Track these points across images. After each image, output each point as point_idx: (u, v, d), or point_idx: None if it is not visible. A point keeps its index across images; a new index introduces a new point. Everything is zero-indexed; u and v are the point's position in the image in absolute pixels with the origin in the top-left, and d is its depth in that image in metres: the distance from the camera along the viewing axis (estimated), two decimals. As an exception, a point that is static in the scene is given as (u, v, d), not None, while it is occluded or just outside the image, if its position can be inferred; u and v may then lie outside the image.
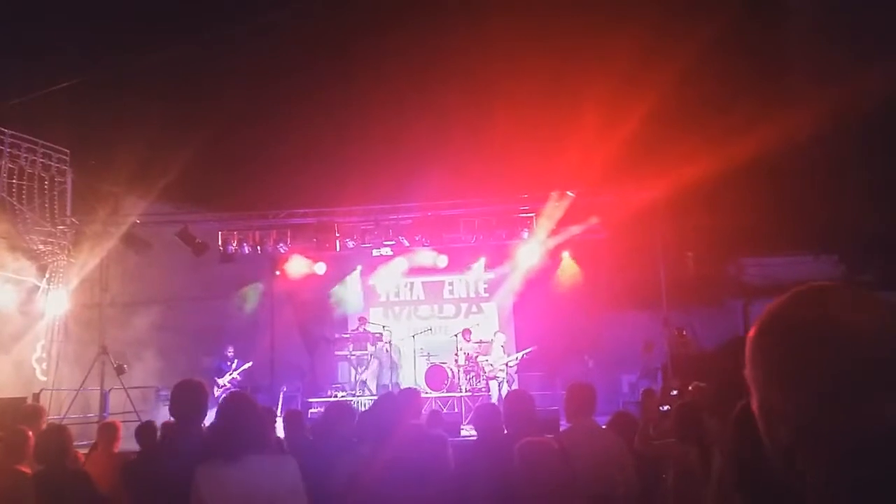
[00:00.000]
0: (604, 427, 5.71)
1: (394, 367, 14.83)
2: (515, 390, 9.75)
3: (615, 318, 14.17)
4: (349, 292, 16.56)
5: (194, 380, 3.93)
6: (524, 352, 13.99)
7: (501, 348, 14.07)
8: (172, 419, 3.95)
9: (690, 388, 7.56)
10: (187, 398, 3.84)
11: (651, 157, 12.86)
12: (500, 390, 13.52)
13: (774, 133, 10.49)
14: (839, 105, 10.16)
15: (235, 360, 13.97)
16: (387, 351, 14.76)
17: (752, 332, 1.19)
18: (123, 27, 13.25)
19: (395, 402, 5.20)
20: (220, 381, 13.49)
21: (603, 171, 13.03)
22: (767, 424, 1.15)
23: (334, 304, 16.47)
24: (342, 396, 14.01)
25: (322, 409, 12.57)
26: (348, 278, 16.53)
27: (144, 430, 6.22)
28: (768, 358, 1.15)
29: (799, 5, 12.04)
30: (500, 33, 12.93)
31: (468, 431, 11.58)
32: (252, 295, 15.91)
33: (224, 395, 3.70)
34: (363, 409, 10.58)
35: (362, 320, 15.26)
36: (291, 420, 5.92)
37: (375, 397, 13.65)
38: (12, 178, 12.83)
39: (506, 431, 4.83)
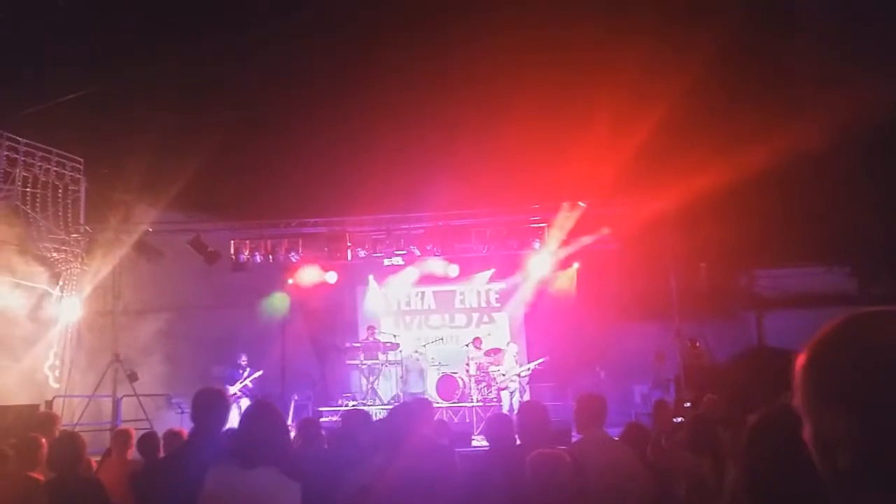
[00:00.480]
0: (616, 438, 5.68)
1: (422, 374, 14.81)
2: (529, 401, 9.72)
3: (627, 329, 14.11)
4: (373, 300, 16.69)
5: (215, 387, 3.96)
6: (536, 362, 13.94)
7: (514, 358, 14.02)
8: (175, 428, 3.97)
9: (704, 399, 7.51)
10: (208, 405, 3.87)
11: (662, 167, 12.83)
12: (511, 400, 13.48)
13: (785, 143, 10.45)
14: (850, 115, 10.12)
15: (248, 369, 13.98)
16: (417, 359, 14.70)
17: (804, 359, 1.17)
18: (135, 37, 13.36)
19: (409, 411, 5.18)
20: (232, 389, 13.50)
21: (614, 182, 13.02)
22: (824, 451, 1.13)
23: (349, 314, 16.56)
24: (353, 405, 14.00)
25: (338, 418, 12.61)
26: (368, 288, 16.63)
27: (146, 441, 6.23)
28: (827, 383, 1.13)
29: (807, 15, 12.01)
30: (509, 44, 12.96)
31: (479, 442, 11.54)
32: (280, 303, 15.94)
33: (251, 403, 3.70)
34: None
35: (371, 329, 15.26)
36: (307, 428, 5.91)
37: (387, 406, 13.66)
38: (27, 187, 12.93)
39: (518, 442, 4.80)
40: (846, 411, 1.09)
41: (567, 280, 15.49)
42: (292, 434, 6.75)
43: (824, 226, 13.12)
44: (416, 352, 14.91)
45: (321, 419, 13.29)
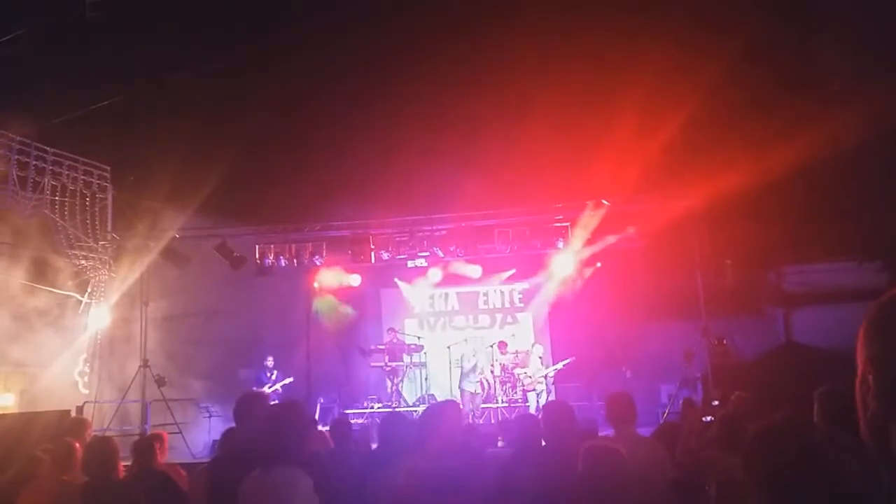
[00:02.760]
0: (647, 436, 5.65)
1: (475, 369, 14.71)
2: (554, 401, 9.66)
3: (653, 328, 13.99)
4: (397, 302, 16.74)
5: (256, 391, 4.04)
6: (563, 363, 13.89)
7: (539, 359, 13.98)
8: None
9: (733, 398, 7.43)
10: (248, 407, 3.94)
11: (688, 164, 12.73)
12: (538, 401, 13.44)
13: (815, 139, 10.32)
14: (882, 110, 9.96)
15: (275, 372, 14.08)
16: (474, 355, 14.62)
17: (866, 315, 1.34)
18: (161, 47, 13.50)
19: (439, 413, 5.19)
20: (260, 393, 13.59)
21: (639, 180, 12.91)
22: (862, 395, 1.30)
23: (373, 316, 16.62)
24: (378, 408, 14.04)
25: (373, 420, 12.63)
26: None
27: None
28: (870, 338, 1.30)
29: (837, 10, 11.85)
30: (533, 43, 12.92)
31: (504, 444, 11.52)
32: (328, 306, 16.11)
33: (273, 405, 3.75)
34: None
35: (392, 332, 15.30)
36: (339, 429, 5.94)
37: (412, 408, 13.69)
38: (55, 195, 13.11)
39: (544, 443, 4.78)
40: (876, 366, 1.27)
41: (591, 279, 15.39)
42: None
43: (854, 221, 12.93)
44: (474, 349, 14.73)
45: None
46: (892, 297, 1.30)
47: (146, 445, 5.54)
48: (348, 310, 16.26)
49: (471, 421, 12.94)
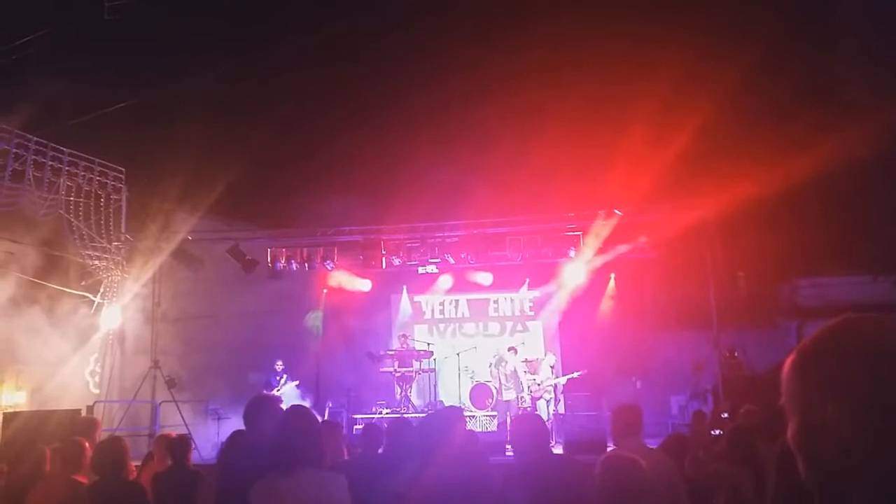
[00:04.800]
0: (654, 448, 5.61)
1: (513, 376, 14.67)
2: (525, 414, 9.63)
3: (663, 339, 13.93)
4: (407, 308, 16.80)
5: (266, 394, 4.04)
6: (573, 374, 13.86)
7: (550, 369, 13.94)
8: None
9: (742, 411, 7.38)
10: (257, 410, 3.94)
11: (701, 174, 12.68)
12: (548, 409, 13.41)
13: (830, 150, 10.26)
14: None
15: (285, 375, 14.13)
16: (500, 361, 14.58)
17: (797, 353, 1.22)
18: (176, 50, 13.61)
19: (443, 420, 5.18)
20: (268, 396, 13.62)
21: (651, 190, 12.88)
22: (811, 441, 1.18)
23: (384, 321, 16.65)
24: (387, 413, 14.02)
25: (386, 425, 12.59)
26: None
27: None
28: (822, 374, 1.17)
29: (853, 21, 11.80)
30: (545, 52, 12.93)
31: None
32: (315, 321, 16.20)
33: (286, 409, 3.75)
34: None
35: (403, 338, 15.30)
36: (371, 433, 5.92)
37: (420, 414, 13.65)
38: (70, 196, 13.21)
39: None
40: (833, 402, 1.15)
41: (602, 288, 15.36)
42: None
43: (870, 235, 12.83)
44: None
45: (355, 427, 13.35)
46: (842, 325, 1.19)
47: (183, 444, 5.66)
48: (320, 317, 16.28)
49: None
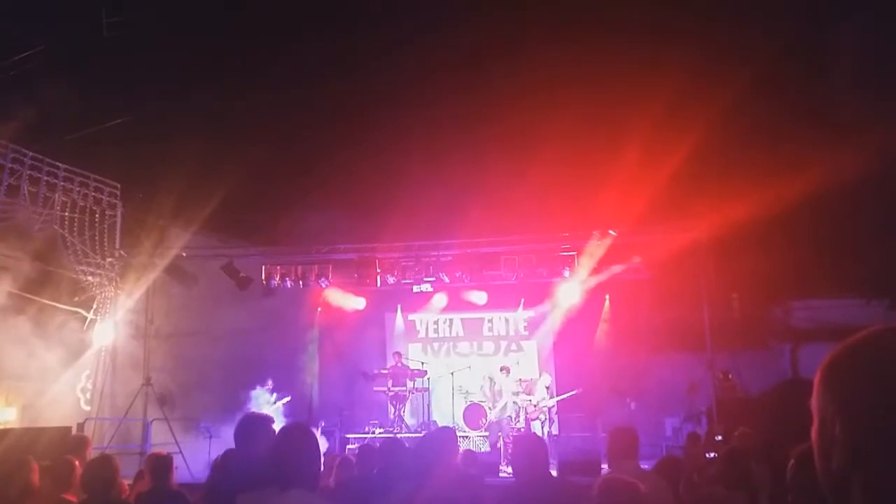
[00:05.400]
0: (649, 470, 5.59)
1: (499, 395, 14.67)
2: (524, 434, 9.62)
3: (657, 360, 13.93)
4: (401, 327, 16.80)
5: (259, 413, 4.00)
6: (568, 394, 13.83)
7: (545, 389, 13.91)
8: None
9: (736, 433, 7.37)
10: (252, 430, 3.91)
11: (695, 196, 12.75)
12: (542, 430, 13.37)
13: (823, 174, 10.32)
14: (888, 146, 9.97)
15: (275, 394, 14.06)
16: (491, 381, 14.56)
17: (825, 360, 1.26)
18: (172, 67, 13.64)
19: (436, 440, 5.16)
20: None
21: (645, 211, 12.93)
22: (823, 448, 1.21)
23: (378, 340, 16.61)
24: (380, 433, 13.95)
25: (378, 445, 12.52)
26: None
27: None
28: (833, 385, 1.22)
29: (845, 46, 11.92)
30: (540, 72, 13.01)
31: (507, 471, 11.43)
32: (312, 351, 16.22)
33: (286, 425, 3.72)
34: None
35: (397, 356, 15.25)
36: (365, 455, 5.89)
37: (413, 434, 13.59)
38: (65, 211, 13.18)
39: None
40: (843, 414, 1.18)
41: (597, 309, 15.37)
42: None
43: (863, 257, 12.89)
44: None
45: (347, 446, 13.28)
46: (863, 337, 1.24)
47: (164, 463, 5.47)
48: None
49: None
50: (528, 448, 4.59)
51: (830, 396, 1.21)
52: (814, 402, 1.25)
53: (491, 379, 14.16)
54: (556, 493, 4.37)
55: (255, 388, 14.18)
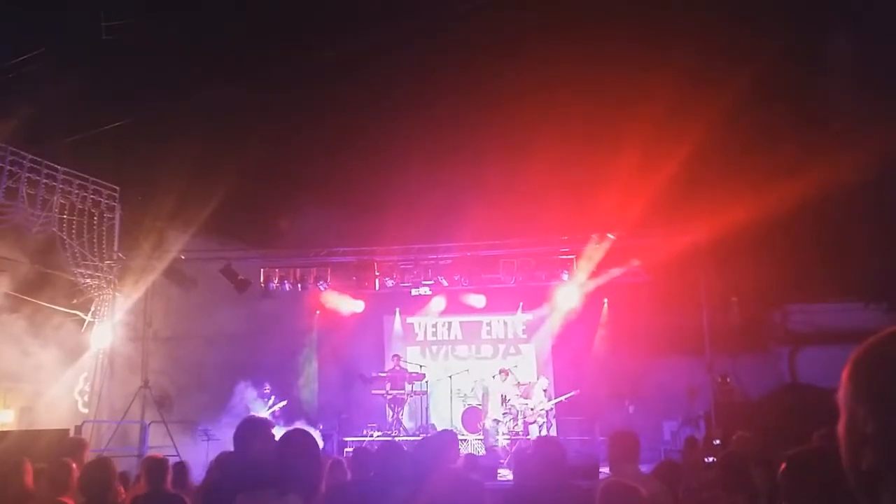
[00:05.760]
0: (648, 475, 5.58)
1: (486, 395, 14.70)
2: (547, 437, 9.62)
3: (656, 364, 13.91)
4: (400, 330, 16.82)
5: (258, 417, 3.99)
6: (566, 396, 13.80)
7: (543, 392, 13.89)
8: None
9: (735, 437, 7.37)
10: (252, 434, 3.90)
11: (694, 200, 12.75)
12: (540, 434, 13.34)
13: (822, 177, 10.33)
14: (887, 150, 9.99)
15: (272, 397, 14.04)
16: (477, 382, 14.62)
17: (853, 355, 1.22)
18: (171, 70, 13.65)
19: (435, 444, 5.15)
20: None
21: (644, 214, 12.94)
22: (852, 448, 1.18)
23: (376, 343, 16.59)
24: (378, 436, 13.93)
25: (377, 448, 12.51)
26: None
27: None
28: (864, 382, 1.18)
29: (842, 50, 11.94)
30: (539, 75, 13.03)
31: (506, 475, 11.41)
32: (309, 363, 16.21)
33: (289, 430, 3.71)
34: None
35: (396, 359, 15.23)
36: (359, 458, 5.87)
37: (411, 437, 13.57)
38: (63, 214, 13.16)
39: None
40: (876, 412, 1.14)
41: (595, 312, 15.36)
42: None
43: (861, 261, 12.90)
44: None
45: (345, 449, 13.25)
46: (892, 333, 1.22)
47: (160, 467, 5.42)
48: None
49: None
50: (537, 452, 4.60)
51: (861, 394, 1.17)
52: (841, 398, 1.22)
53: (482, 384, 14.22)
54: (558, 497, 4.37)
55: (252, 392, 14.16)
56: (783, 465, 2.75)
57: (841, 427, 1.21)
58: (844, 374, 1.21)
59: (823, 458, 2.42)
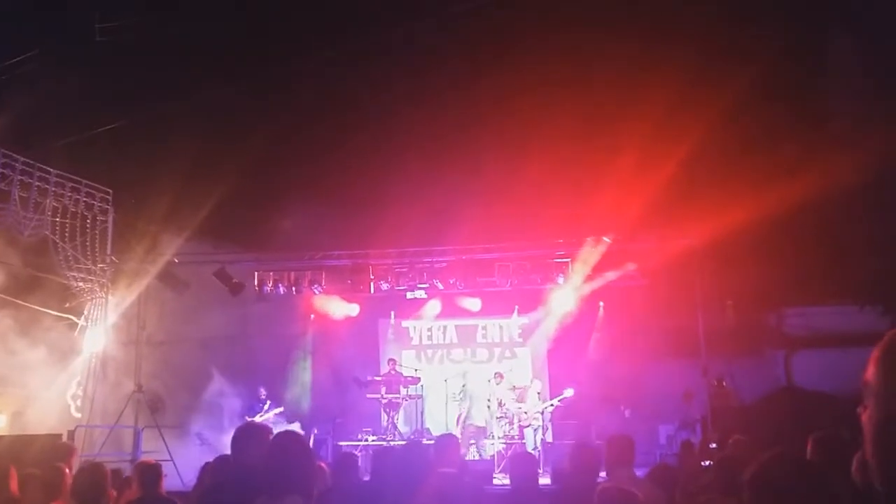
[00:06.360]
0: (643, 479, 5.56)
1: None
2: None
3: (652, 367, 13.90)
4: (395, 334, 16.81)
5: (256, 423, 3.95)
6: (561, 396, 13.74)
7: (537, 395, 13.86)
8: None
9: (731, 441, 7.34)
10: (247, 439, 3.87)
11: (689, 203, 12.75)
12: (535, 438, 13.31)
13: (818, 180, 10.34)
14: (884, 152, 10.00)
15: (268, 402, 13.97)
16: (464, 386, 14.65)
17: (887, 340, 1.22)
18: (164, 72, 13.61)
19: (429, 449, 5.11)
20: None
21: (640, 218, 12.93)
22: (882, 430, 1.17)
23: (371, 347, 16.54)
24: (373, 440, 13.87)
25: (366, 453, 12.49)
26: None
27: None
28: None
29: (841, 52, 11.96)
30: (535, 76, 13.02)
31: (501, 479, 11.38)
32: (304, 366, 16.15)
33: (279, 433, 3.68)
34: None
35: (392, 363, 15.18)
36: (345, 463, 5.83)
37: (406, 442, 13.51)
38: (56, 217, 13.08)
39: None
40: None
41: (591, 316, 15.34)
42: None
43: (857, 264, 12.91)
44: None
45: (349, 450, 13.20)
46: None
47: (153, 472, 5.42)
48: None
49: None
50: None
51: (890, 375, 1.16)
52: (873, 379, 1.20)
53: (465, 382, 14.35)
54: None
55: (247, 396, 14.10)
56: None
57: (870, 412, 1.20)
58: (873, 359, 1.21)
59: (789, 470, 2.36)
